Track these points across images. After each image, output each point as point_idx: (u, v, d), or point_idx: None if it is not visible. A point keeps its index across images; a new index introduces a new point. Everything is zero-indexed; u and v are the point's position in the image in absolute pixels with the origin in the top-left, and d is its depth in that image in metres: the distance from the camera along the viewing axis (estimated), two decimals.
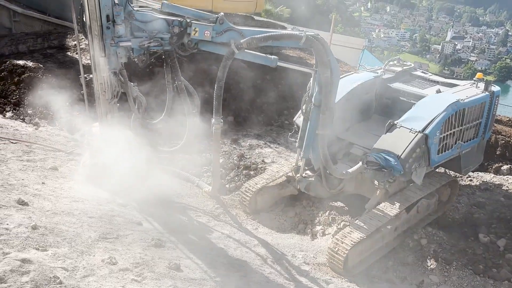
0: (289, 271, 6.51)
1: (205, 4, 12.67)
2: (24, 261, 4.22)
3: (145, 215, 6.80)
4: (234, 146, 10.53)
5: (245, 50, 7.02)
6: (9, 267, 4.05)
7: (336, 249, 6.90)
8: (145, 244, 5.71)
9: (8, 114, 10.46)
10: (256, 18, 15.27)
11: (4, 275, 3.92)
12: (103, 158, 7.46)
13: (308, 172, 8.29)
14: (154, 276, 4.92)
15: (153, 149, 8.22)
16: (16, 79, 11.20)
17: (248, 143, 10.67)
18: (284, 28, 15.51)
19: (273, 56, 7.25)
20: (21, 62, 11.76)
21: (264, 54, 7.31)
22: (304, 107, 7.77)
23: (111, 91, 7.20)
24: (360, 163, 7.69)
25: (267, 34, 6.80)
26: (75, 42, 13.11)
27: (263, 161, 9.83)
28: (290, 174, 8.53)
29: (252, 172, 9.48)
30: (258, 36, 6.75)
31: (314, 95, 7.47)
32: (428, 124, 7.62)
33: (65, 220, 5.64)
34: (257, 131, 11.23)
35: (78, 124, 10.38)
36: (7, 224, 5.01)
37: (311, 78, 7.62)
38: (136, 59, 7.44)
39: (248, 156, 10.05)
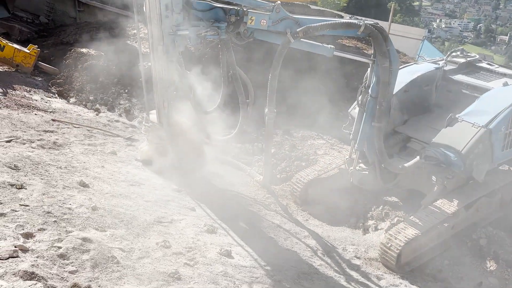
0: (339, 264, 6.42)
1: None
2: (84, 239, 4.43)
3: (198, 201, 6.93)
4: (286, 136, 10.48)
5: (301, 39, 6.93)
6: (71, 244, 4.26)
7: (389, 244, 6.72)
8: (197, 229, 5.83)
9: (72, 100, 10.98)
10: (312, 7, 15.03)
11: (67, 252, 4.13)
12: (159, 145, 7.68)
13: (362, 165, 8.09)
14: (205, 261, 5.01)
15: (207, 138, 8.33)
16: (79, 66, 11.72)
17: (300, 133, 10.58)
18: (341, 17, 15.17)
19: (329, 46, 7.11)
20: (84, 50, 12.29)
21: (320, 44, 7.18)
22: (360, 98, 7.56)
23: (168, 79, 7.35)
24: (418, 157, 7.41)
25: (325, 23, 6.66)
26: (135, 31, 13.52)
27: (315, 152, 9.73)
28: (343, 166, 8.37)
29: (303, 163, 9.40)
30: (315, 25, 6.63)
31: (371, 86, 7.25)
32: (493, 118, 7.19)
33: (123, 203, 5.85)
34: (310, 122, 11.09)
35: (136, 112, 10.75)
36: (70, 204, 5.28)
37: (369, 69, 7.40)
38: (192, 48, 7.55)
39: (300, 147, 9.98)
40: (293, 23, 6.85)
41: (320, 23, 6.64)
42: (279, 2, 6.87)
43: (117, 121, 10.35)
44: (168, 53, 7.02)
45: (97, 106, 10.89)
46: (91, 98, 11.07)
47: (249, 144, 9.97)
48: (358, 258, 6.85)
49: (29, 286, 3.30)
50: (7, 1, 14.18)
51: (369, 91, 7.30)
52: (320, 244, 6.87)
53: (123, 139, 9.15)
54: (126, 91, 11.36)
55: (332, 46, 7.12)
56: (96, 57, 11.93)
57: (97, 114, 10.52)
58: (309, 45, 7.20)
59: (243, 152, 9.73)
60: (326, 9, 17.55)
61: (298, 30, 6.63)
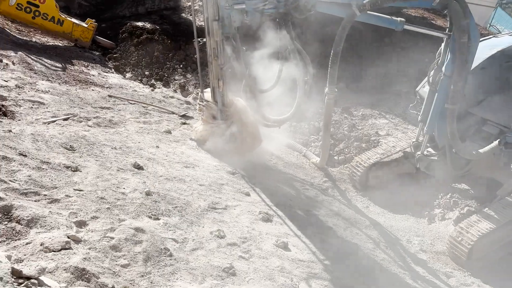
0: (404, 259, 5.96)
1: None
2: (137, 230, 4.27)
3: (252, 185, 6.66)
4: (345, 115, 9.91)
5: (367, 12, 6.32)
6: (124, 235, 4.12)
7: (460, 238, 6.16)
8: (252, 217, 5.56)
9: (128, 75, 10.96)
10: None
11: (119, 243, 3.99)
12: (213, 125, 7.43)
13: (430, 149, 7.45)
14: (261, 253, 4.74)
15: (263, 117, 7.97)
16: (135, 41, 11.64)
17: (360, 112, 9.98)
18: None
19: (399, 19, 6.45)
20: (139, 23, 12.17)
21: (388, 16, 6.53)
22: (431, 76, 6.87)
23: (223, 56, 7.02)
24: (496, 143, 6.67)
25: None
26: (190, 3, 13.23)
27: (376, 133, 9.12)
28: (408, 150, 7.77)
29: (364, 145, 8.86)
30: None
31: (445, 63, 6.55)
32: None
33: (177, 187, 5.68)
34: (371, 99, 10.43)
35: (191, 88, 10.56)
36: (124, 188, 5.15)
37: (443, 44, 6.68)
38: (249, 22, 7.13)
39: (360, 127, 9.40)
40: None
41: None
42: None
43: (172, 97, 10.23)
44: (223, 28, 6.67)
45: (153, 81, 10.81)
46: (146, 73, 11.00)
47: (305, 123, 9.52)
48: (424, 251, 6.35)
49: (79, 285, 3.16)
50: None
51: (443, 69, 6.60)
52: (382, 235, 6.43)
53: (178, 116, 9.00)
54: (181, 66, 11.18)
55: (402, 19, 6.46)
56: (151, 31, 11.79)
57: (152, 90, 10.43)
58: (376, 18, 6.57)
59: (299, 132, 9.31)
60: None
61: (365, 1, 6.03)
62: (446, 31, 6.56)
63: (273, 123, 8.38)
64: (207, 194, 5.81)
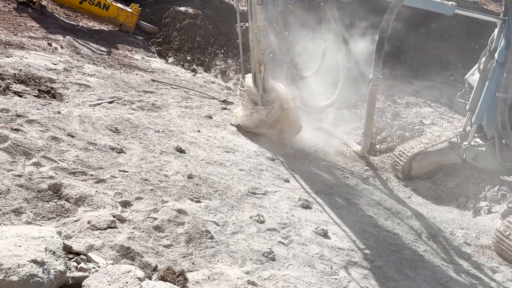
0: (447, 251, 5.79)
1: None
2: (180, 211, 4.34)
3: (292, 172, 6.63)
4: (389, 103, 9.66)
5: None
6: (166, 216, 4.20)
7: (508, 233, 5.91)
8: (292, 203, 5.54)
9: (170, 59, 11.09)
10: None
11: (162, 224, 4.07)
12: (254, 110, 7.43)
13: (478, 140, 7.15)
14: (300, 240, 4.72)
15: (304, 104, 7.89)
16: (177, 25, 11.74)
17: (404, 100, 9.69)
18: None
19: (450, 2, 6.17)
20: (182, 8, 12.26)
21: (438, 0, 6.26)
22: (482, 63, 6.56)
23: (265, 41, 6.97)
24: None
25: None
26: None
27: (421, 122, 8.84)
28: (454, 140, 7.49)
29: (407, 134, 8.61)
30: None
31: (498, 50, 6.23)
32: None
33: (217, 171, 5.73)
34: (416, 86, 10.10)
35: (231, 73, 10.58)
36: (167, 171, 5.25)
37: (496, 29, 6.35)
38: (292, 7, 7.03)
39: (404, 115, 9.14)
40: None
41: None
42: None
43: (213, 82, 10.28)
44: (267, 13, 6.61)
45: (194, 66, 10.90)
46: (188, 58, 11.10)
47: (346, 110, 9.36)
48: (469, 244, 6.14)
49: (124, 263, 3.25)
50: None
51: (495, 55, 6.29)
52: (424, 226, 6.26)
53: (219, 101, 9.05)
54: (222, 51, 11.21)
55: (453, 3, 6.17)
56: (193, 15, 11.85)
57: (194, 75, 10.53)
58: (425, 2, 6.34)
59: (340, 119, 9.16)
60: None
61: None
62: (501, 16, 6.22)
63: (314, 110, 8.29)
64: (247, 179, 5.84)
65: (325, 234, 5.00)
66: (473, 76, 7.13)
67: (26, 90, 6.67)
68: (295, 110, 7.61)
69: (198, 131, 7.01)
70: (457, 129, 7.52)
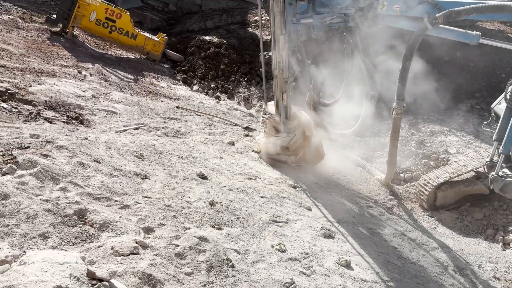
0: (475, 286, 5.60)
1: None
2: (201, 239, 4.35)
3: (314, 200, 6.58)
4: (413, 131, 9.55)
5: (440, 25, 6.09)
6: (188, 243, 4.21)
7: None
8: (314, 232, 5.48)
9: (195, 87, 11.32)
10: None
11: (183, 251, 4.08)
12: (276, 137, 7.47)
13: (506, 170, 6.96)
14: (323, 270, 4.65)
15: (326, 131, 7.90)
16: (203, 54, 12.02)
17: (429, 128, 9.57)
18: None
19: (474, 32, 6.14)
20: (207, 38, 12.57)
21: (463, 30, 6.25)
22: (509, 93, 6.46)
23: (288, 70, 7.06)
24: None
25: (471, 6, 5.72)
26: (256, 18, 13.48)
27: (446, 151, 8.70)
28: (481, 169, 7.32)
29: (432, 163, 8.48)
30: (459, 8, 5.74)
31: None
32: None
33: (239, 198, 5.74)
34: (441, 115, 9.98)
35: (254, 100, 10.71)
36: (189, 197, 5.29)
37: None
38: (315, 36, 7.13)
39: (428, 144, 9.02)
40: (432, 7, 6.05)
41: (465, 7, 5.73)
42: None
43: (236, 109, 10.42)
44: (289, 42, 6.72)
45: (218, 93, 11.09)
46: (212, 85, 11.30)
47: (370, 138, 9.30)
48: (498, 279, 5.93)
49: None
50: None
51: None
52: (451, 259, 6.08)
53: (241, 128, 9.14)
54: (246, 79, 11.38)
55: (478, 33, 6.14)
56: (218, 44, 12.12)
57: (217, 102, 10.70)
58: (449, 32, 6.31)
59: (364, 147, 9.10)
60: None
61: (438, 15, 5.81)
62: None
63: (337, 137, 8.28)
64: (269, 206, 5.82)
65: (348, 265, 4.91)
66: (500, 105, 7.02)
67: (56, 117, 6.91)
68: (317, 138, 7.61)
69: (220, 157, 7.07)
70: (484, 159, 7.35)
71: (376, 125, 9.49)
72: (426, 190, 7.44)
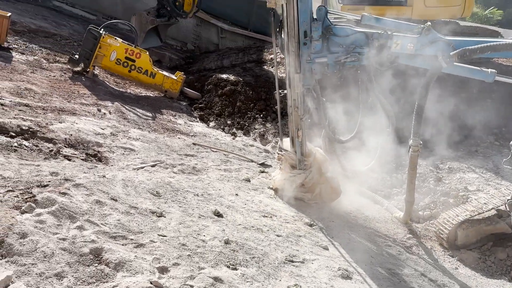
0: None
1: (403, 11, 11.79)
2: (216, 279, 4.30)
3: (331, 239, 6.48)
4: (430, 167, 9.44)
5: (454, 63, 6.11)
6: (203, 284, 4.17)
7: None
8: (331, 273, 5.37)
9: (211, 124, 11.46)
10: (462, 23, 13.62)
11: None
12: (291, 174, 7.45)
13: None
14: None
15: (342, 168, 7.86)
16: (219, 92, 12.23)
17: (447, 165, 9.45)
18: (496, 33, 13.47)
19: (490, 70, 6.15)
20: (224, 76, 12.83)
21: (477, 68, 6.26)
22: None
23: (303, 107, 7.13)
24: None
25: (485, 45, 5.77)
26: (272, 56, 13.75)
27: (465, 188, 8.54)
28: (502, 208, 7.15)
29: (451, 200, 8.31)
30: (473, 47, 5.78)
31: None
32: None
33: (255, 237, 5.69)
34: (459, 151, 9.87)
35: (270, 137, 10.77)
36: (204, 235, 5.27)
37: None
38: (330, 75, 7.21)
39: (447, 181, 8.88)
40: (446, 45, 6.11)
41: (479, 45, 5.77)
42: (429, 23, 6.18)
43: (251, 145, 10.47)
44: (304, 81, 6.82)
45: (234, 130, 11.19)
46: (228, 122, 11.43)
47: (387, 174, 9.21)
48: None
49: None
50: (161, 31, 15.58)
51: None
52: None
53: (257, 164, 9.16)
54: (261, 116, 11.49)
55: (493, 70, 6.14)
56: (234, 82, 12.34)
57: (233, 138, 10.78)
58: (464, 69, 6.32)
59: (381, 184, 9.00)
60: (478, 24, 15.78)
61: (452, 53, 5.85)
62: None
63: (353, 174, 8.22)
64: (285, 245, 5.75)
65: None
66: None
67: (75, 154, 7.04)
68: (333, 175, 7.57)
69: (236, 194, 7.06)
70: (505, 197, 7.19)
71: (393, 161, 9.42)
72: (446, 228, 7.27)
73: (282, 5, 6.43)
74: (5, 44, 11.03)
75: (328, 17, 6.53)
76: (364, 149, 8.08)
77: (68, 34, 14.72)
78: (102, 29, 11.05)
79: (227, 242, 5.25)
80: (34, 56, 11.35)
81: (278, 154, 7.96)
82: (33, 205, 4.59)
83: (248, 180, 7.97)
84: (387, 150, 8.00)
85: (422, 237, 7.64)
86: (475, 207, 7.40)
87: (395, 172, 9.28)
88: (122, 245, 4.52)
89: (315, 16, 6.58)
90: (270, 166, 9.21)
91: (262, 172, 8.72)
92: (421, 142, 6.61)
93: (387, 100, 7.66)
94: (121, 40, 11.39)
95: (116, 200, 5.43)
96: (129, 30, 13.98)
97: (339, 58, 6.49)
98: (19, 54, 11.08)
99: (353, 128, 7.97)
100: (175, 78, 11.89)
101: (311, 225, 6.76)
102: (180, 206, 5.97)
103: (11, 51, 11.03)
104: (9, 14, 10.93)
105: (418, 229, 7.87)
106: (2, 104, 7.70)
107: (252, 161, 9.30)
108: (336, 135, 8.07)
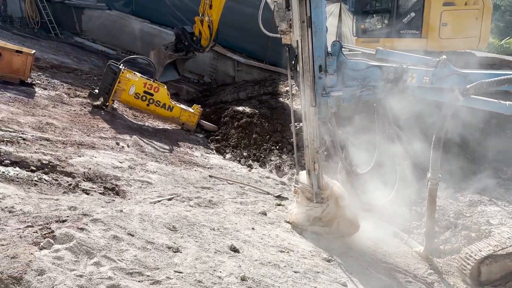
0: None
1: (419, 44, 11.86)
2: None
3: (349, 275, 6.34)
4: (450, 200, 9.25)
5: (471, 96, 6.09)
6: None
7: None
8: None
9: (228, 156, 11.52)
10: (478, 53, 13.61)
11: None
12: (308, 208, 7.39)
13: None
14: None
15: (360, 200, 7.77)
16: (235, 124, 12.34)
17: (468, 198, 9.26)
18: None
19: (508, 102, 6.10)
20: (240, 108, 12.96)
21: (495, 100, 6.21)
22: None
23: (319, 140, 7.12)
24: None
25: (502, 77, 5.74)
26: (287, 88, 13.87)
27: (488, 221, 8.33)
28: None
29: (473, 234, 8.10)
30: (490, 80, 5.76)
31: None
32: None
33: (271, 273, 5.60)
34: (480, 184, 9.67)
35: (286, 168, 10.74)
36: (220, 272, 5.22)
37: None
38: (345, 107, 7.24)
39: (468, 214, 8.68)
40: (462, 78, 6.09)
41: (496, 78, 5.75)
42: (444, 56, 6.20)
43: (267, 177, 10.45)
44: (320, 114, 6.83)
45: (250, 162, 11.21)
46: (244, 154, 11.47)
47: (406, 208, 9.05)
48: None
49: None
50: (178, 65, 15.94)
51: None
52: None
53: (273, 196, 9.11)
54: (277, 147, 11.51)
55: (511, 103, 6.09)
56: (250, 114, 12.45)
57: (249, 170, 10.79)
58: (481, 102, 6.28)
59: (400, 217, 8.84)
60: (495, 55, 15.75)
61: (468, 86, 5.84)
62: None
63: (372, 207, 8.11)
64: (302, 282, 5.64)
65: None
66: None
67: (93, 188, 7.12)
68: (351, 208, 7.47)
69: (252, 228, 7.01)
70: None
71: (412, 194, 9.27)
72: (468, 264, 7.06)
73: (297, 41, 6.52)
74: (29, 80, 11.40)
75: (342, 51, 6.59)
76: (382, 182, 7.99)
77: (88, 68, 15.17)
78: (122, 64, 11.35)
79: (243, 278, 5.18)
80: (55, 91, 11.69)
81: (295, 187, 7.91)
82: (51, 241, 4.63)
83: (264, 214, 7.92)
84: (405, 183, 7.89)
85: (444, 272, 7.42)
86: (498, 241, 7.20)
87: (414, 204, 9.11)
88: (139, 281, 4.50)
89: (329, 50, 6.66)
90: (286, 198, 9.16)
91: (279, 205, 8.66)
92: (440, 175, 6.51)
93: (403, 132, 7.62)
94: (140, 74, 11.67)
95: (133, 235, 5.44)
96: (147, 64, 14.32)
97: (354, 91, 6.52)
98: (42, 89, 11.43)
99: (370, 161, 7.93)
100: (192, 111, 12.06)
101: (329, 261, 6.64)
102: (196, 241, 5.94)
103: (34, 86, 11.39)
104: (33, 51, 11.34)
105: (440, 264, 7.66)
106: (24, 139, 7.90)
107: (268, 193, 9.26)
108: (353, 167, 8.02)
